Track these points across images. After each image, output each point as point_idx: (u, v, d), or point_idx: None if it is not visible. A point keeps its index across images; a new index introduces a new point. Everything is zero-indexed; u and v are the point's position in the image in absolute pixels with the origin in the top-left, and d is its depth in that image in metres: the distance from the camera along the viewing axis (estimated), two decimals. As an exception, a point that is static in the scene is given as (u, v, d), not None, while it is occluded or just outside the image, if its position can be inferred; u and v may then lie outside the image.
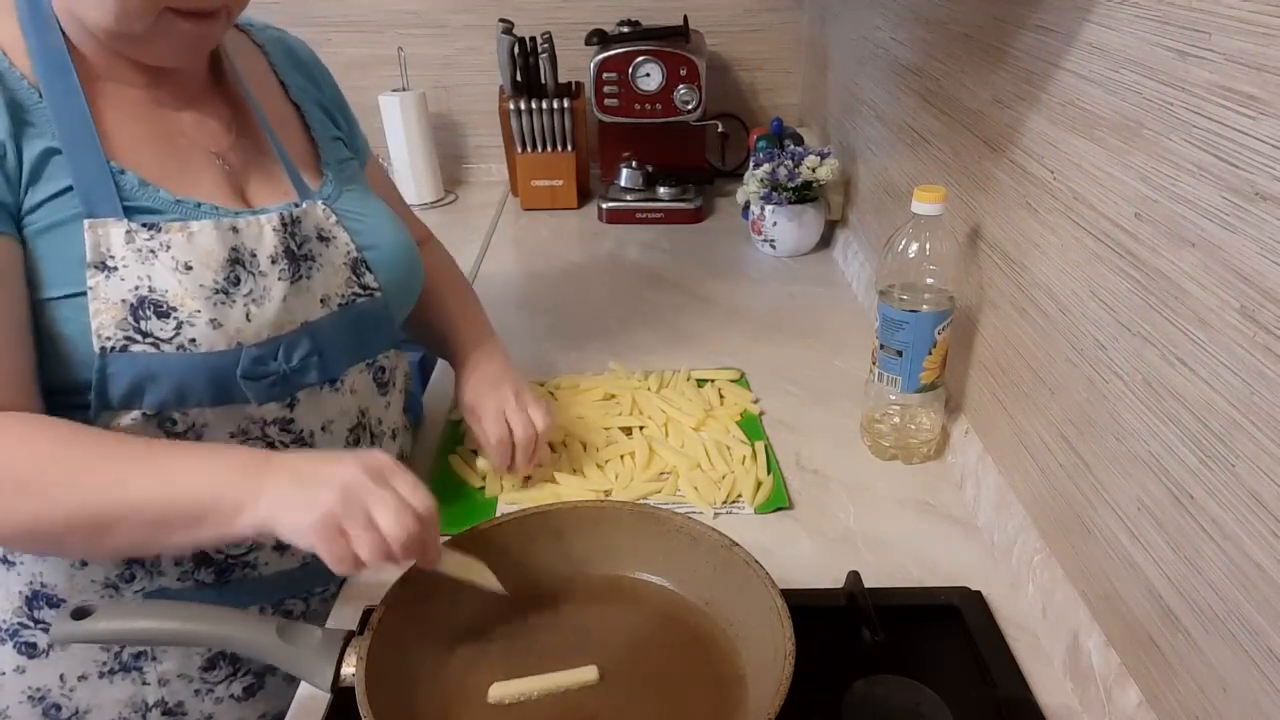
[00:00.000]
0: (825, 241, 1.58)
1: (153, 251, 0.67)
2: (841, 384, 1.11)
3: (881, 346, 0.93)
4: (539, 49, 1.71)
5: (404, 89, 1.81)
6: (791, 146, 1.54)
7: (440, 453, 0.99)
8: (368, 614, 0.66)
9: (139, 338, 0.66)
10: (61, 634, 0.63)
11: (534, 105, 1.72)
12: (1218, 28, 0.53)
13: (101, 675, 0.77)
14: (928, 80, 1.08)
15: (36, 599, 0.73)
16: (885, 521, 0.89)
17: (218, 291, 0.68)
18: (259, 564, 0.77)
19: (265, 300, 0.71)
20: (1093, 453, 0.69)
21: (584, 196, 1.85)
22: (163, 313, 0.66)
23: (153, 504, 0.62)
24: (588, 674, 0.67)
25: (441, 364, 1.23)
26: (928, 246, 0.89)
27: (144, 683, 0.78)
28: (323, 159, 0.84)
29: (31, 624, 0.74)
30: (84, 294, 0.65)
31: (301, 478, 0.62)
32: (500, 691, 0.65)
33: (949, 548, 0.85)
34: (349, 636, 0.64)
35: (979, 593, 0.77)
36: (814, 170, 1.46)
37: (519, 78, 1.73)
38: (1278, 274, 0.48)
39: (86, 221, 0.65)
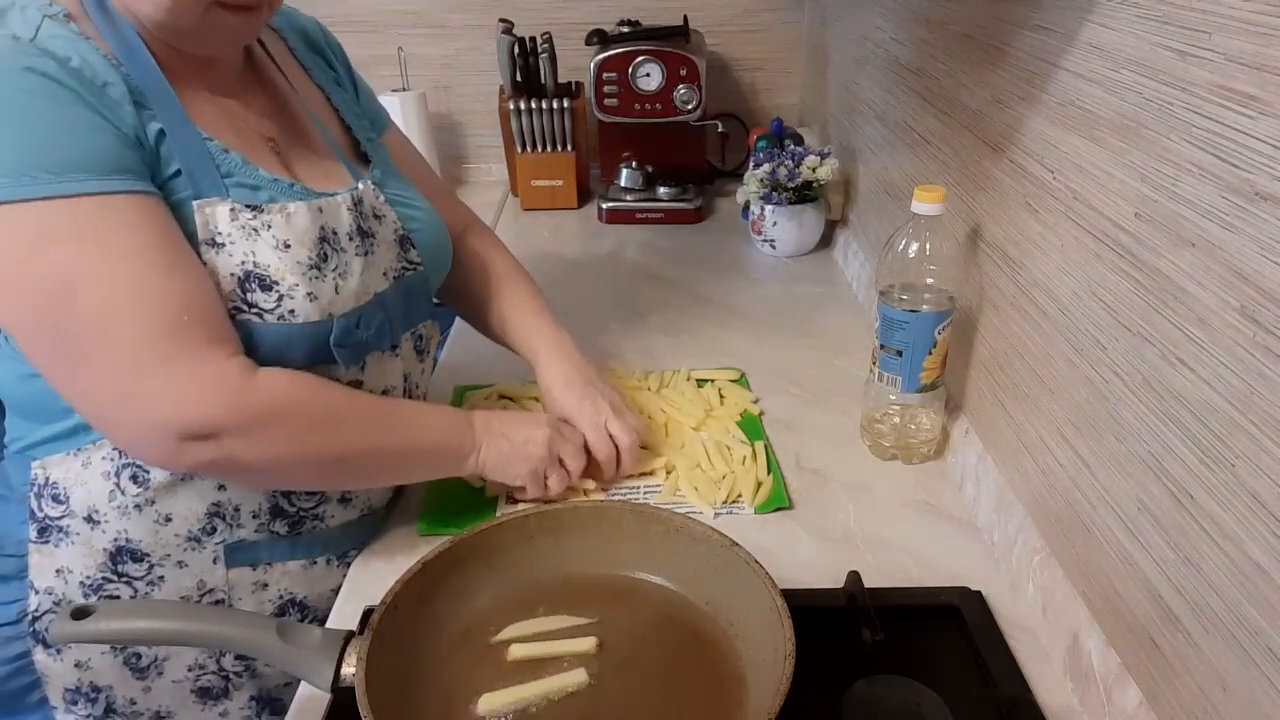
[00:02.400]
0: (825, 241, 1.58)
1: (255, 230, 0.71)
2: (841, 384, 1.11)
3: (881, 346, 0.93)
4: (539, 49, 1.71)
5: (404, 89, 1.81)
6: (791, 146, 1.54)
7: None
8: (368, 614, 0.67)
9: (245, 308, 0.71)
10: (62, 634, 0.63)
11: (534, 105, 1.73)
12: (1218, 28, 0.53)
13: (153, 645, 0.78)
14: (928, 80, 1.08)
15: (121, 554, 0.75)
16: (885, 521, 0.89)
17: (312, 267, 0.74)
18: (326, 516, 0.82)
19: (349, 274, 0.77)
20: (1093, 453, 0.69)
21: (584, 196, 1.85)
22: (266, 286, 0.71)
23: (420, 446, 0.81)
24: (585, 644, 0.69)
25: (442, 363, 1.23)
26: (928, 246, 0.89)
27: (192, 648, 0.80)
28: (360, 140, 0.90)
29: (115, 578, 0.76)
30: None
31: (512, 439, 0.84)
32: (490, 704, 0.65)
33: (949, 548, 0.85)
34: (349, 636, 0.64)
35: (979, 593, 0.77)
36: (814, 170, 1.46)
37: (519, 78, 1.73)
38: (1278, 274, 0.48)
39: (195, 202, 0.70)
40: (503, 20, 1.71)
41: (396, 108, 1.76)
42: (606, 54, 1.62)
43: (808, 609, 0.66)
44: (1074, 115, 0.71)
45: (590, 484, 0.91)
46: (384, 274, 0.83)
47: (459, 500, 0.92)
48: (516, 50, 1.70)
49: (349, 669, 0.62)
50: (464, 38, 1.89)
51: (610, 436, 0.91)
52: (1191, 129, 0.55)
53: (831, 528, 0.88)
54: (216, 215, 0.70)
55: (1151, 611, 0.61)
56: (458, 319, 1.33)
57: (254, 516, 0.78)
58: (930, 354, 0.91)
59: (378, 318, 0.81)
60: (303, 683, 0.70)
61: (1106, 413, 0.67)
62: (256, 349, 0.72)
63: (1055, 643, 0.72)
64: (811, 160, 1.46)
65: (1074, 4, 0.70)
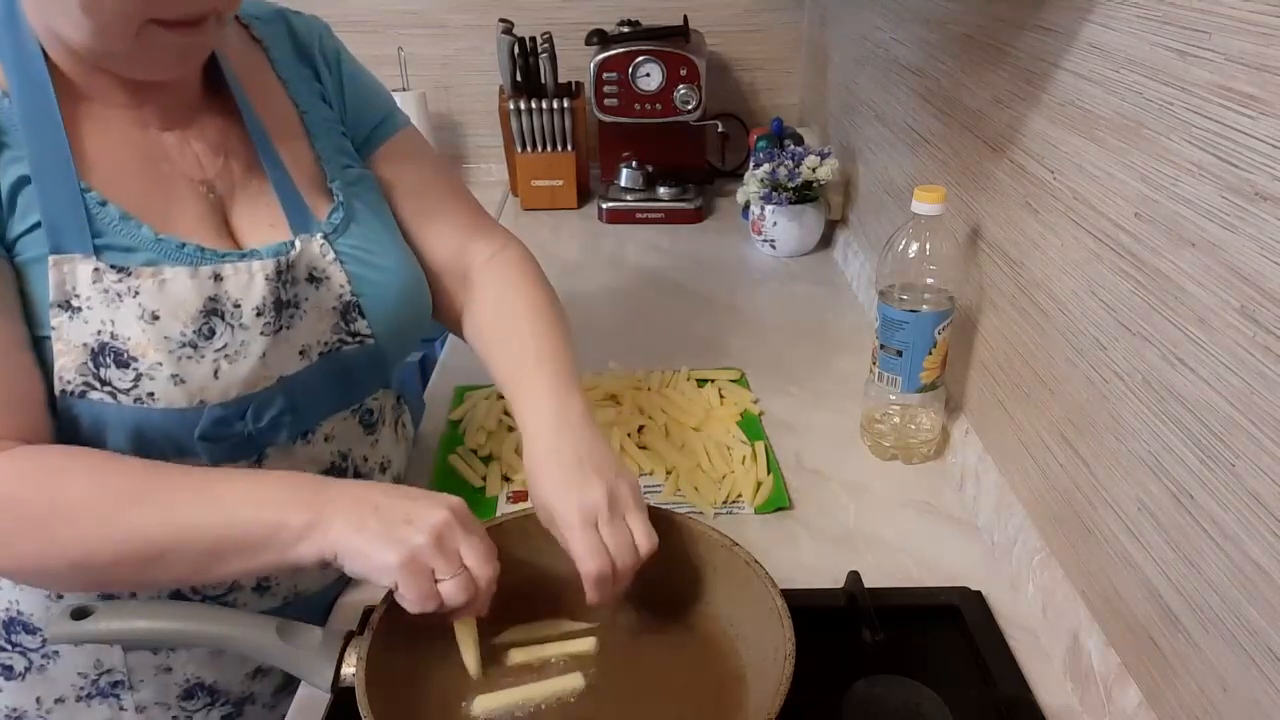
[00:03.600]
0: (825, 241, 1.58)
1: (119, 295, 0.62)
2: (841, 384, 1.11)
3: (881, 346, 0.93)
4: (539, 49, 1.71)
5: (404, 89, 1.81)
6: (791, 146, 1.54)
7: (440, 453, 0.99)
8: (368, 614, 0.66)
9: (97, 385, 0.62)
10: (61, 634, 0.62)
11: (534, 105, 1.72)
12: (1218, 28, 0.53)
13: (79, 699, 0.75)
14: (928, 80, 1.08)
15: (13, 624, 0.72)
16: (885, 521, 0.89)
17: (184, 345, 0.63)
18: (237, 604, 0.73)
19: (240, 356, 0.66)
20: (1093, 453, 0.69)
21: (584, 196, 1.85)
22: (122, 362, 0.62)
23: (207, 532, 0.60)
24: (585, 645, 0.68)
25: (442, 363, 1.23)
26: (928, 246, 0.89)
27: (120, 708, 0.76)
28: (328, 175, 0.77)
29: (9, 648, 0.73)
30: (48, 337, 0.61)
31: (385, 516, 0.59)
32: (485, 705, 0.65)
33: (949, 548, 0.85)
34: (349, 636, 0.64)
35: (979, 593, 0.77)
36: (814, 170, 1.46)
37: (519, 78, 1.73)
38: (1278, 274, 0.48)
39: (52, 258, 0.61)
40: (503, 20, 1.71)
41: (396, 108, 1.76)
42: (606, 54, 1.63)
43: (808, 609, 0.66)
44: (1074, 115, 0.71)
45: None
46: (300, 352, 0.71)
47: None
48: (516, 50, 1.70)
49: (349, 669, 0.62)
50: (464, 38, 1.89)
51: (605, 545, 0.64)
52: (1191, 129, 0.55)
53: (831, 528, 0.88)
54: (76, 274, 0.61)
55: (1151, 611, 0.61)
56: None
57: (153, 598, 0.70)
58: (930, 354, 0.91)
59: (275, 407, 0.69)
60: (303, 683, 0.69)
61: (1106, 413, 0.67)
62: (112, 431, 0.63)
63: (1055, 643, 0.72)
64: (811, 160, 1.46)
65: (1074, 4, 0.70)
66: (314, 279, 0.72)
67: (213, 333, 0.65)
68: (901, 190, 1.20)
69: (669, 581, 0.75)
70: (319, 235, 0.73)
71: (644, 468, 0.95)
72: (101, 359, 0.62)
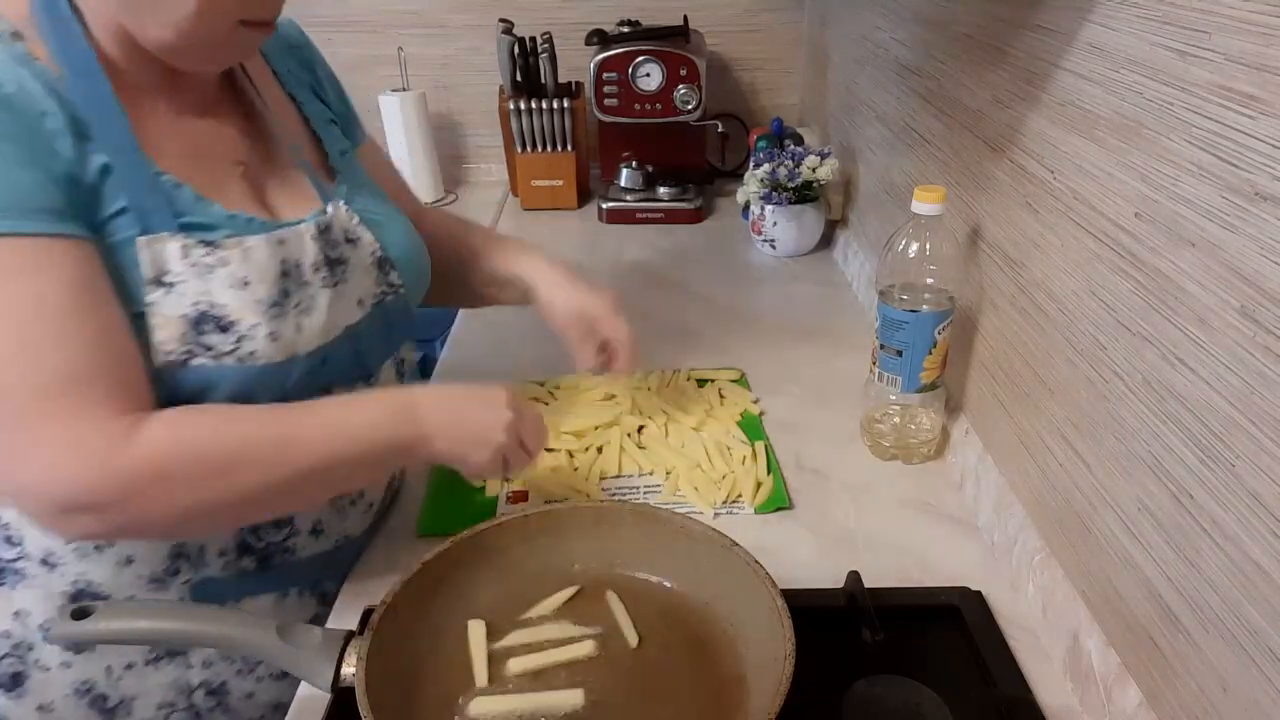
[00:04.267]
0: (825, 241, 1.58)
1: (210, 267, 0.67)
2: (841, 384, 1.11)
3: (881, 346, 0.93)
4: (539, 49, 1.71)
5: (404, 89, 1.81)
6: (791, 146, 1.54)
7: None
8: (368, 614, 0.66)
9: (200, 351, 0.67)
10: (61, 634, 0.63)
11: (534, 105, 1.72)
12: (1218, 28, 0.53)
13: (148, 663, 0.77)
14: (928, 80, 1.08)
15: (81, 596, 0.73)
16: (885, 521, 0.89)
17: (273, 305, 0.69)
18: (297, 549, 0.79)
19: (313, 310, 0.73)
20: (1093, 453, 0.69)
21: (584, 196, 1.85)
22: (223, 327, 0.67)
23: (345, 456, 0.70)
24: (585, 647, 0.68)
25: (442, 362, 1.23)
26: (928, 246, 0.89)
27: (188, 665, 0.78)
28: (329, 154, 0.84)
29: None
30: (143, 313, 0.65)
31: (470, 427, 0.75)
32: (481, 707, 0.65)
33: (949, 548, 0.85)
34: (349, 636, 0.64)
35: (979, 593, 0.77)
36: (814, 170, 1.46)
37: (519, 78, 1.73)
38: (1278, 274, 0.48)
39: (141, 239, 0.65)
40: (503, 20, 1.71)
41: (396, 108, 1.76)
42: (606, 54, 1.63)
43: (808, 609, 0.66)
44: (1074, 115, 0.71)
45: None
46: (359, 303, 0.78)
47: (459, 500, 0.92)
48: (516, 50, 1.70)
49: (349, 669, 0.62)
50: (464, 38, 1.89)
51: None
52: (1191, 129, 0.55)
53: (831, 528, 0.88)
54: (166, 253, 0.66)
55: (1151, 611, 0.61)
56: (455, 319, 1.33)
57: (220, 554, 0.75)
58: (930, 354, 0.91)
59: (349, 351, 0.77)
60: (303, 683, 0.70)
61: (1106, 413, 0.67)
62: (211, 394, 0.68)
63: (1055, 643, 0.72)
64: (811, 160, 1.46)
65: (1074, 4, 0.70)
66: (350, 240, 0.78)
67: (287, 292, 0.71)
68: (901, 190, 1.20)
69: (668, 581, 0.75)
70: (342, 202, 0.79)
71: (644, 468, 0.95)
72: (202, 326, 0.67)
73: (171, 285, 0.66)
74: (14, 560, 0.72)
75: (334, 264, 0.76)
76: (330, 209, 0.78)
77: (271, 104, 0.81)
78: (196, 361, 0.67)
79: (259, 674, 0.81)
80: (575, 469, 0.95)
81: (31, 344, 0.60)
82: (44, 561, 0.72)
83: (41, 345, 0.61)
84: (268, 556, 0.77)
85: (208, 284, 0.67)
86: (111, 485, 0.61)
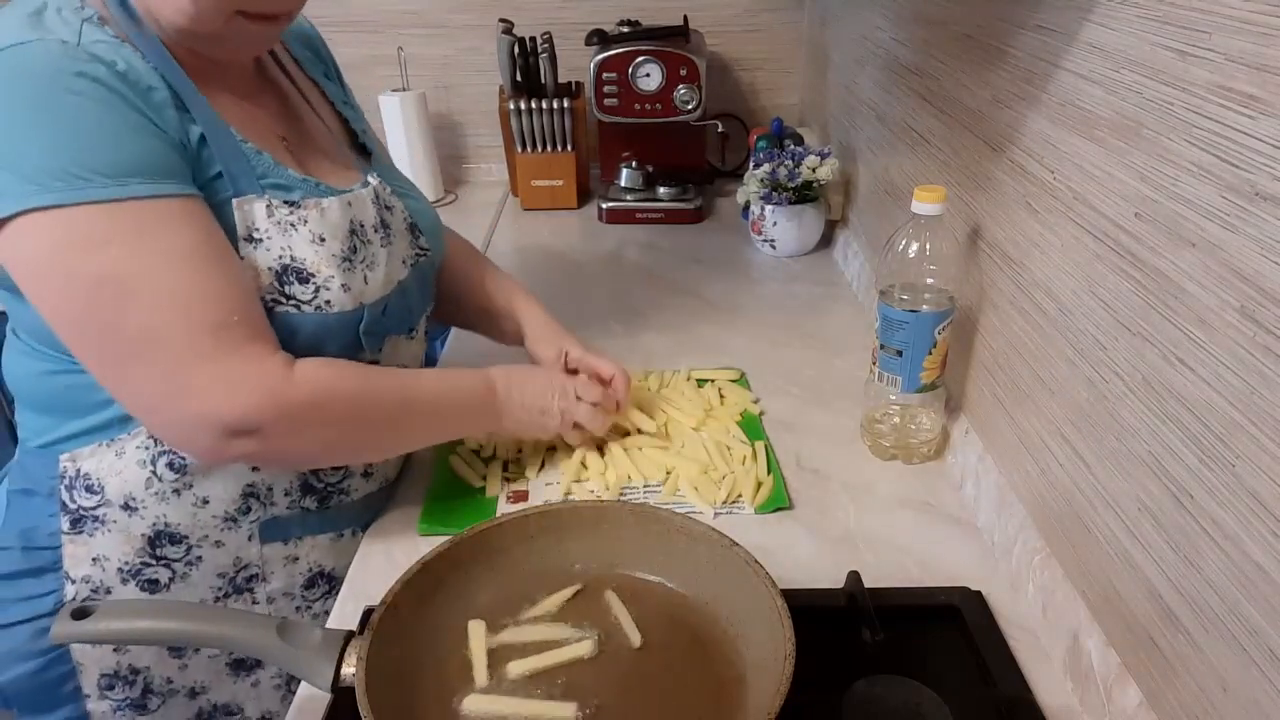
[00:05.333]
0: (825, 241, 1.58)
1: (292, 225, 0.74)
2: (841, 384, 1.11)
3: (881, 346, 0.93)
4: (539, 49, 1.71)
5: (404, 89, 1.81)
6: (791, 146, 1.54)
7: (440, 452, 0.99)
8: (368, 614, 0.67)
9: (283, 300, 0.74)
10: (61, 634, 0.63)
11: (534, 105, 1.72)
12: (1218, 28, 0.53)
13: (218, 599, 0.83)
14: (928, 80, 1.08)
15: (160, 538, 0.78)
16: (885, 521, 0.89)
17: (344, 259, 0.77)
18: (350, 490, 0.87)
19: (376, 265, 0.81)
20: (1093, 453, 0.69)
21: (584, 196, 1.85)
22: (304, 279, 0.74)
23: (446, 417, 0.86)
24: (584, 648, 0.68)
25: (443, 361, 1.23)
26: (928, 246, 0.89)
27: (254, 601, 0.85)
28: (357, 132, 0.92)
29: (154, 561, 0.79)
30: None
31: (531, 410, 0.89)
32: (475, 705, 0.65)
33: (949, 548, 0.85)
34: (349, 636, 0.64)
35: (979, 593, 0.77)
36: (814, 170, 1.46)
37: (519, 78, 1.73)
38: (1278, 274, 0.48)
39: (234, 200, 0.72)
40: (503, 20, 1.71)
41: (396, 108, 1.76)
42: (606, 54, 1.62)
43: (808, 609, 0.66)
44: (1074, 115, 0.71)
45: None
46: (403, 262, 0.86)
47: (459, 500, 0.92)
48: (516, 50, 1.70)
49: (349, 669, 0.62)
50: (464, 38, 1.89)
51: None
52: (1191, 129, 0.55)
53: (831, 528, 0.88)
54: (254, 212, 0.73)
55: (1151, 611, 0.61)
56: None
57: (286, 494, 0.82)
58: (930, 354, 0.91)
59: (400, 304, 0.85)
60: (303, 683, 0.70)
61: (1106, 413, 0.67)
62: (293, 338, 0.75)
63: (1055, 643, 0.72)
64: (811, 160, 1.46)
65: (1074, 4, 0.70)
66: (388, 207, 0.87)
67: (355, 249, 0.79)
68: (901, 190, 1.20)
69: (668, 582, 0.75)
70: (375, 175, 0.87)
71: (644, 468, 0.95)
72: (285, 278, 0.74)
73: (259, 240, 0.73)
74: (94, 508, 0.77)
75: (385, 226, 0.84)
76: (372, 179, 0.86)
77: (304, 89, 0.89)
78: (280, 309, 0.74)
79: (315, 611, 0.89)
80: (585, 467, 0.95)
81: (186, 289, 0.67)
82: (125, 506, 0.77)
83: (195, 290, 0.68)
84: (327, 497, 0.85)
85: (290, 240, 0.74)
86: (278, 413, 0.70)
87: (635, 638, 0.70)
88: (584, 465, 0.95)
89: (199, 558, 0.80)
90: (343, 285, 0.76)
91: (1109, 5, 0.65)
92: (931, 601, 0.77)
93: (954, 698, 0.66)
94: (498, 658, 0.69)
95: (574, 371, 0.97)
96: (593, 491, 0.92)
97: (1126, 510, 0.64)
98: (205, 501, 0.78)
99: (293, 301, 0.74)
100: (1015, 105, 0.82)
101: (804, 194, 1.50)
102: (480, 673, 0.67)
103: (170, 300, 0.67)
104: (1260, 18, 0.49)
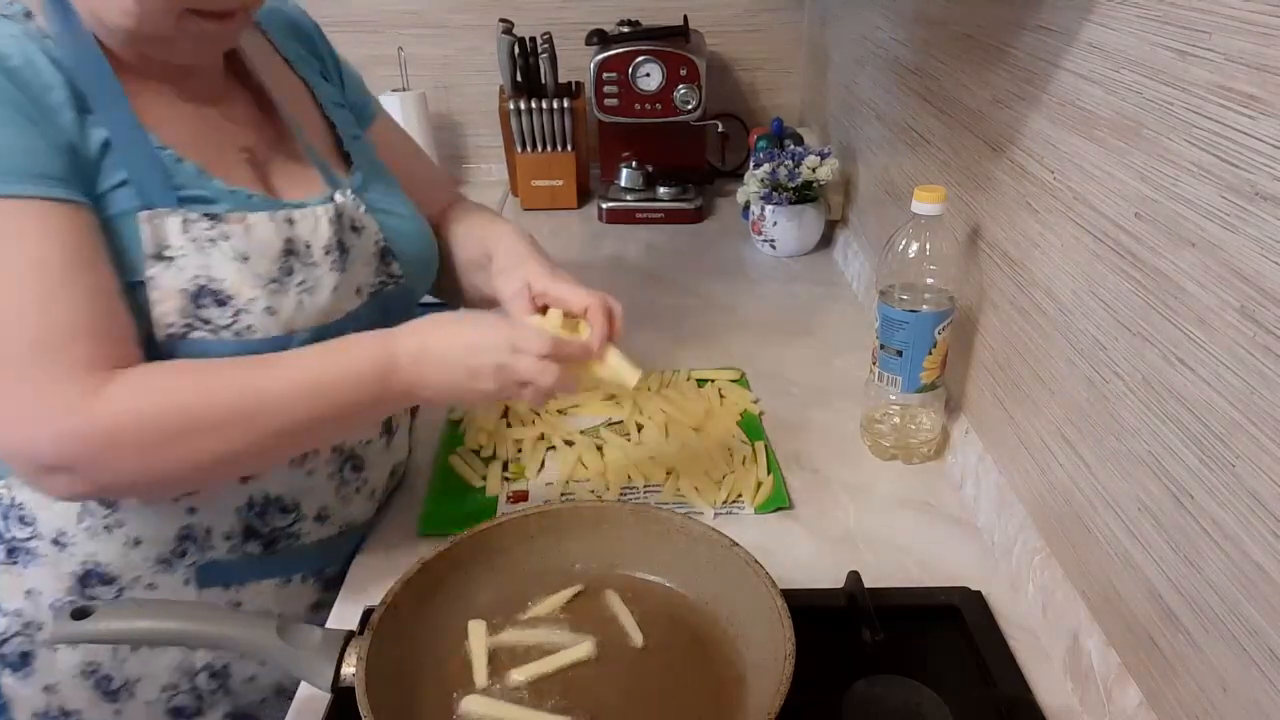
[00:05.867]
0: (825, 241, 1.58)
1: (211, 241, 0.68)
2: (841, 384, 1.11)
3: (881, 346, 0.93)
4: (539, 49, 1.71)
5: (404, 89, 1.81)
6: (791, 146, 1.54)
7: (440, 452, 0.99)
8: (368, 614, 0.66)
9: (199, 324, 0.68)
10: (61, 634, 0.63)
11: (534, 105, 1.72)
12: (1218, 28, 0.53)
13: (153, 646, 0.77)
14: (928, 80, 1.08)
15: (90, 577, 0.74)
16: (885, 521, 0.89)
17: (272, 281, 0.70)
18: (302, 534, 0.80)
19: (318, 289, 0.73)
20: (1093, 453, 0.69)
21: (584, 196, 1.85)
22: (221, 301, 0.68)
23: (321, 413, 0.69)
24: (583, 649, 0.68)
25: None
26: (928, 246, 0.89)
27: (192, 648, 0.78)
28: (343, 140, 0.86)
29: (84, 601, 0.74)
30: (143, 283, 0.66)
31: (455, 371, 0.70)
32: (472, 706, 0.65)
33: (949, 548, 0.85)
34: (349, 636, 0.64)
35: (979, 593, 0.77)
36: (814, 170, 1.46)
37: (519, 78, 1.73)
38: (1278, 274, 0.48)
39: (141, 214, 0.66)
40: (503, 20, 1.71)
41: (396, 108, 1.76)
42: (606, 54, 1.62)
43: (808, 609, 0.66)
44: (1074, 115, 0.71)
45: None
46: (357, 291, 0.78)
47: (459, 500, 0.92)
48: (516, 50, 1.70)
49: (349, 669, 0.62)
50: (464, 38, 1.89)
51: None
52: (1191, 129, 0.55)
53: (831, 528, 0.88)
54: (166, 227, 0.67)
55: (1151, 611, 0.61)
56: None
57: (226, 538, 0.76)
58: (930, 354, 0.91)
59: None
60: (303, 683, 0.70)
61: (1106, 413, 0.67)
62: None
63: (1055, 643, 0.72)
64: (811, 160, 1.46)
65: (1074, 4, 0.70)
66: (355, 229, 0.79)
67: (291, 270, 0.72)
68: (901, 190, 1.20)
69: (668, 582, 0.75)
70: (349, 190, 0.80)
71: (644, 468, 0.95)
72: (201, 300, 0.68)
73: (171, 259, 0.67)
74: (27, 540, 0.73)
75: (343, 249, 0.77)
76: (338, 196, 0.78)
77: (285, 91, 0.83)
78: (195, 335, 0.68)
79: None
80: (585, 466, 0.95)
81: (14, 305, 0.61)
82: (55, 541, 0.73)
83: (24, 306, 0.62)
84: (273, 541, 0.78)
85: (208, 258, 0.68)
86: (69, 448, 0.62)
87: (637, 637, 0.70)
88: (583, 465, 0.95)
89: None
90: (267, 308, 0.70)
91: (1109, 5, 0.65)
92: (931, 601, 0.77)
93: (954, 698, 0.66)
94: (498, 658, 0.69)
95: (545, 310, 0.80)
96: (593, 491, 0.92)
97: (1126, 510, 0.64)
98: (138, 541, 0.73)
99: (209, 326, 0.68)
100: (1015, 105, 0.82)
101: (804, 194, 1.50)
102: (480, 673, 0.67)
103: None
104: (1260, 18, 0.49)
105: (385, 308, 0.82)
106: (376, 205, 0.82)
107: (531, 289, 0.81)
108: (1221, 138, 0.52)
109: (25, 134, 0.63)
